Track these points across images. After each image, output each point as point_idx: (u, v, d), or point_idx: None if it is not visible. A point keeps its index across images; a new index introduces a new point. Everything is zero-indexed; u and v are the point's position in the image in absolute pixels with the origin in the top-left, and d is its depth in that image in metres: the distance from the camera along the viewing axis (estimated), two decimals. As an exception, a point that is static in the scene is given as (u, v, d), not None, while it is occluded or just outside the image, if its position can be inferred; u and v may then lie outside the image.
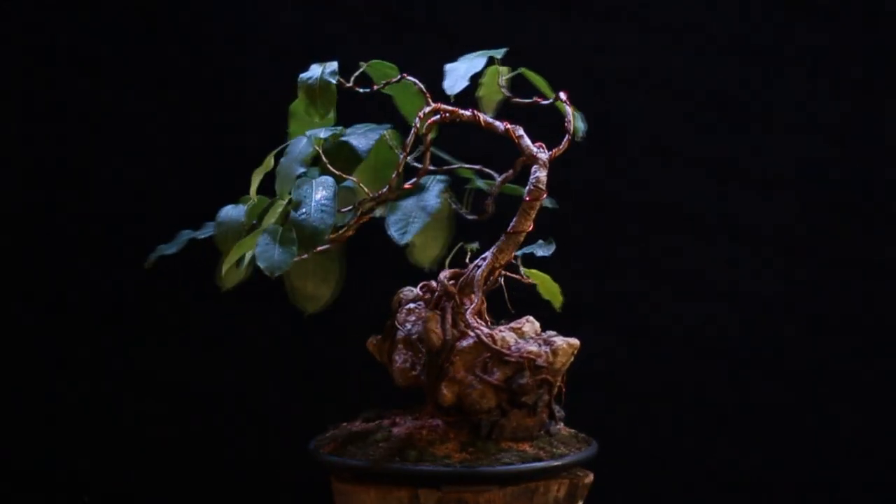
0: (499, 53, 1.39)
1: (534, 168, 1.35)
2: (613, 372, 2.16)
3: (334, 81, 1.37)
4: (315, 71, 1.38)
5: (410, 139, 1.35)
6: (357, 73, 1.39)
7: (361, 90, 1.38)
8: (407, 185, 1.36)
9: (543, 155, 1.36)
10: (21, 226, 2.16)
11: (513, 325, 1.43)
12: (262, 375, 2.21)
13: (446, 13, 2.10)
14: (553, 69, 1.42)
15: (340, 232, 1.37)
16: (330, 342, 2.14)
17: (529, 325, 1.43)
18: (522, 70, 1.40)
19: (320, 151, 1.35)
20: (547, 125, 1.41)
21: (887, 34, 2.07)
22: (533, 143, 1.36)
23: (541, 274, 1.49)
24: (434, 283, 1.44)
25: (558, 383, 1.39)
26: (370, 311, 1.52)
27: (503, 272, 1.43)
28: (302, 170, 1.35)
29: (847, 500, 2.15)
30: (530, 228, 1.38)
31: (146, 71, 2.14)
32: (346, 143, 1.37)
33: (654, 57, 2.10)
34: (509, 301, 1.45)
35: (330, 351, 2.17)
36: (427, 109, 1.36)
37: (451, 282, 1.43)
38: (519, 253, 1.45)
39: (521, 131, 1.37)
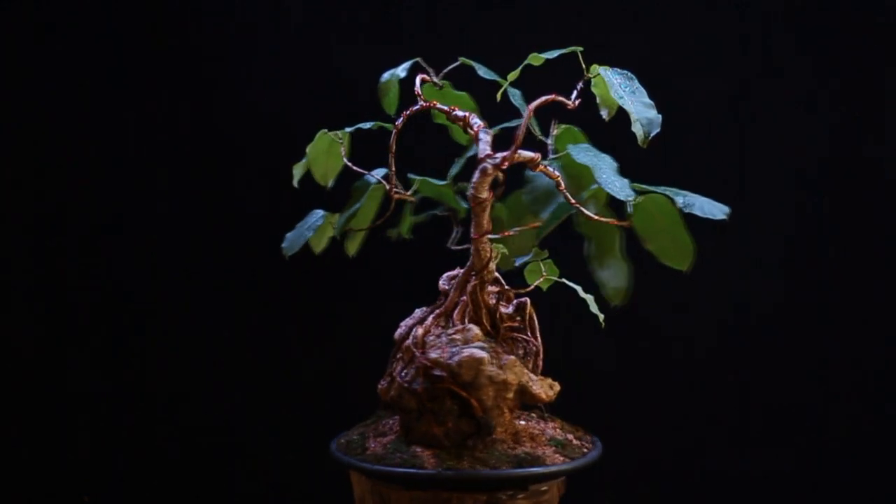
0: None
1: (475, 174, 1.36)
2: (612, 372, 2.16)
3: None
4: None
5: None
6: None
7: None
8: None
9: (490, 161, 1.35)
10: (20, 225, 2.16)
11: (458, 328, 1.41)
12: (263, 376, 2.21)
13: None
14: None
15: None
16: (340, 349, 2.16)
17: (462, 333, 1.39)
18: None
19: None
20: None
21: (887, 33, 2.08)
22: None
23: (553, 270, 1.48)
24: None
25: (475, 397, 1.34)
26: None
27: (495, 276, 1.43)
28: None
29: (847, 500, 2.15)
30: (487, 231, 1.37)
31: (145, 70, 2.14)
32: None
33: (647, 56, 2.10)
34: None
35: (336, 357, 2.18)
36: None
37: (445, 284, 1.45)
38: (519, 262, 1.46)
39: (484, 135, 1.37)
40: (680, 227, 1.31)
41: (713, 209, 1.30)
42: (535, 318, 1.44)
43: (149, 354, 2.19)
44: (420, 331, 1.38)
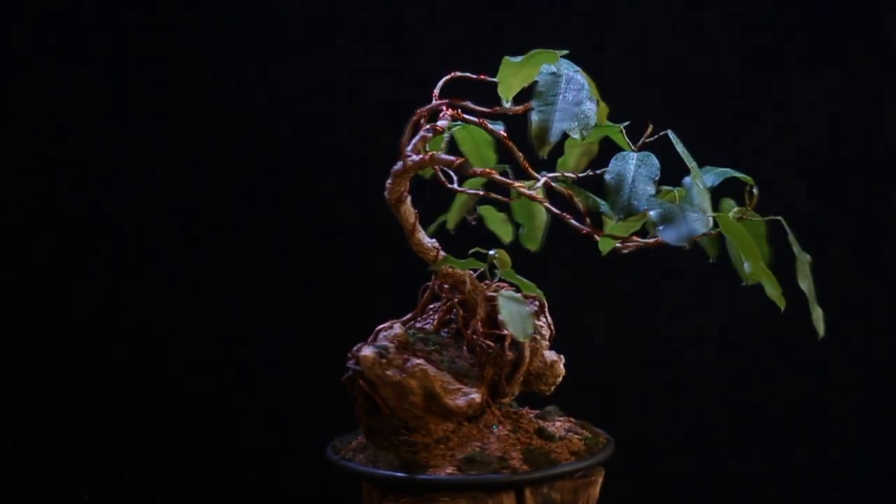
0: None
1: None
2: (613, 371, 2.16)
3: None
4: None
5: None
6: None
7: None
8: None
9: (399, 164, 1.35)
10: (21, 225, 2.16)
11: (385, 325, 1.42)
12: (264, 377, 2.21)
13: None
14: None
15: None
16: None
17: (386, 331, 1.41)
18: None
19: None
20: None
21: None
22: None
23: (525, 281, 1.46)
24: None
25: (379, 395, 1.36)
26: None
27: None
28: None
29: (848, 499, 2.16)
30: (410, 228, 1.37)
31: (147, 69, 2.14)
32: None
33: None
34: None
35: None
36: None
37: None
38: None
39: (424, 133, 1.35)
40: None
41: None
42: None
43: (149, 354, 2.19)
44: (380, 327, 1.41)
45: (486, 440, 1.37)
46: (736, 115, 2.10)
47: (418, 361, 1.36)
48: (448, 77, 1.37)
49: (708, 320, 2.14)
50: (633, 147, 1.35)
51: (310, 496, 2.21)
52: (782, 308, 1.32)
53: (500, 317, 1.34)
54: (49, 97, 2.14)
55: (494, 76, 1.32)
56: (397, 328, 1.41)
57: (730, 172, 1.38)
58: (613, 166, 1.28)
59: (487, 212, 1.50)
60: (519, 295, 1.38)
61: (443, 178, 1.39)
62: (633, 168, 1.27)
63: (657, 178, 1.27)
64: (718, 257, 1.37)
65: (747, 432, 2.16)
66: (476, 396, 1.37)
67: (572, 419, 1.47)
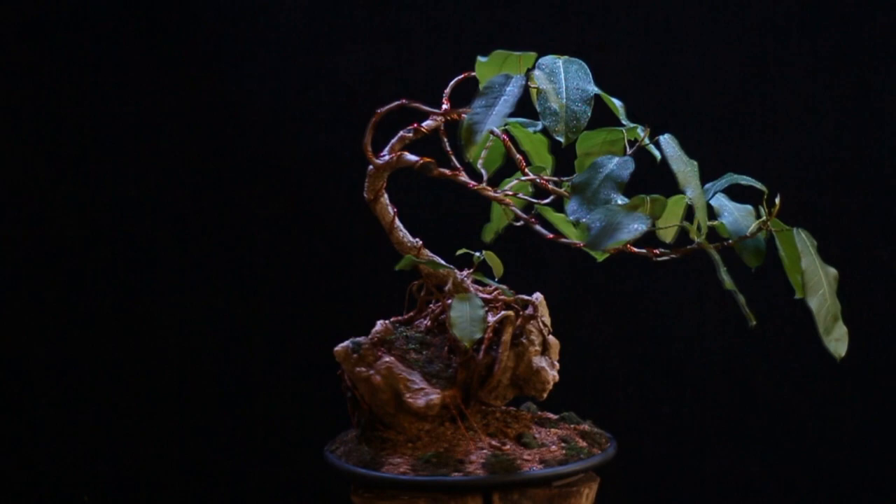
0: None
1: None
2: (613, 371, 2.16)
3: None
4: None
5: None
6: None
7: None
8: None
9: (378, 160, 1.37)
10: (20, 225, 2.16)
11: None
12: (266, 377, 2.21)
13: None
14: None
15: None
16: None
17: (375, 328, 1.44)
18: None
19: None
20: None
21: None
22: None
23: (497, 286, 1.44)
24: None
25: (358, 390, 1.39)
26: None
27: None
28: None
29: (847, 500, 2.16)
30: (393, 231, 1.40)
31: (145, 71, 2.14)
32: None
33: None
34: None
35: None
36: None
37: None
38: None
39: (403, 135, 1.37)
40: None
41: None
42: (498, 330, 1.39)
43: (149, 354, 2.19)
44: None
45: (456, 442, 1.35)
46: (736, 115, 2.10)
47: (387, 359, 1.37)
48: (461, 77, 1.38)
49: (708, 320, 2.14)
50: (646, 144, 1.33)
51: (311, 495, 2.21)
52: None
53: (449, 318, 1.33)
54: (49, 97, 2.14)
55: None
56: (380, 325, 1.42)
57: (735, 179, 1.36)
58: (584, 171, 1.27)
59: (546, 212, 1.44)
60: (478, 297, 1.36)
61: (468, 181, 1.38)
62: (605, 173, 1.25)
63: (623, 182, 1.25)
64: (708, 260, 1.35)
65: (747, 432, 2.16)
66: (435, 398, 1.36)
67: (582, 426, 1.44)
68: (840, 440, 2.14)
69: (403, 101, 1.36)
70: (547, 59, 1.30)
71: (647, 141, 1.33)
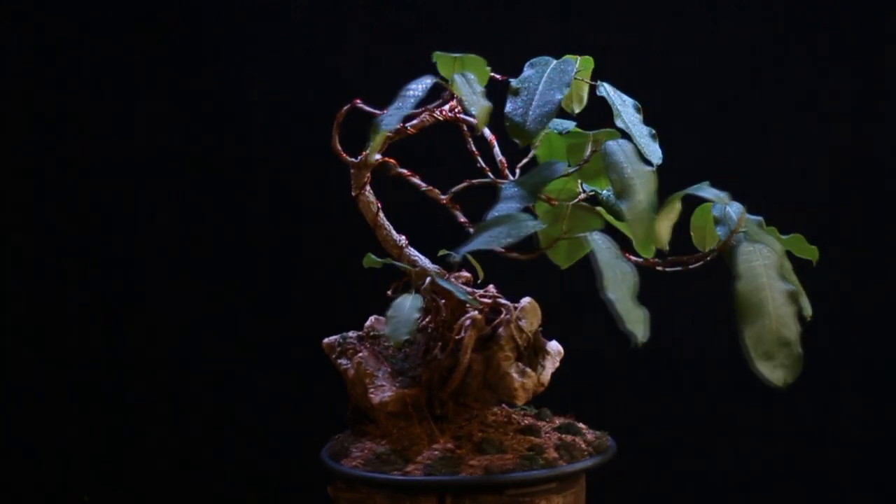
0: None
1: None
2: (612, 371, 2.16)
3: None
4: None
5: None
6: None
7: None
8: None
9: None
10: (20, 224, 2.16)
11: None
12: (265, 376, 2.21)
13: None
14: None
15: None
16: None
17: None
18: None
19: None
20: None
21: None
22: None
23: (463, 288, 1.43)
24: None
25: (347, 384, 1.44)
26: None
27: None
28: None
29: (847, 499, 2.16)
30: (378, 228, 1.43)
31: (144, 70, 2.14)
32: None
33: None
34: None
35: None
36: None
37: None
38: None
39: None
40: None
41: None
42: (463, 329, 1.37)
43: (149, 354, 2.19)
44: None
45: (419, 442, 1.34)
46: (736, 116, 2.10)
47: (362, 354, 1.40)
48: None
49: (707, 320, 2.14)
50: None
51: (311, 495, 2.21)
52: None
53: (387, 315, 1.32)
54: (48, 97, 2.14)
55: (499, 76, 1.36)
56: (371, 319, 1.45)
57: (704, 188, 1.32)
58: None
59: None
60: (419, 299, 1.33)
61: (420, 183, 1.41)
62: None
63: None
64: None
65: (747, 432, 2.16)
66: (388, 396, 1.37)
67: (574, 436, 1.39)
68: (840, 440, 2.14)
69: (357, 101, 1.40)
70: (540, 60, 1.34)
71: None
